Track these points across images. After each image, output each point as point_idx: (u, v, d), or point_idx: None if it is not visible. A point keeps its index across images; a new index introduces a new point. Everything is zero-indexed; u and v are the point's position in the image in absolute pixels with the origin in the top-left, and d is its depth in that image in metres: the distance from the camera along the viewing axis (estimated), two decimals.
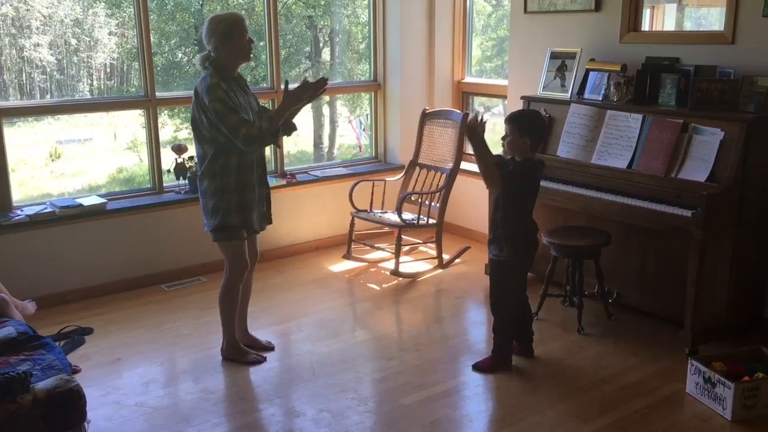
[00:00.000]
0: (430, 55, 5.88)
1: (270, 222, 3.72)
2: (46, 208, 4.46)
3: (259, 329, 3.99)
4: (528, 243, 3.48)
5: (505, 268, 3.50)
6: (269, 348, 3.84)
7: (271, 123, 3.34)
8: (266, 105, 4.88)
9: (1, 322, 3.20)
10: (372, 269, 5.15)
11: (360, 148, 6.25)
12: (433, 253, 5.23)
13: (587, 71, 4.40)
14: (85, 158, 5.68)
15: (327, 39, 6.54)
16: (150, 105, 4.83)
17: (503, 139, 3.45)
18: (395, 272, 4.95)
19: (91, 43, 5.39)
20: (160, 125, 4.95)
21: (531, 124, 3.41)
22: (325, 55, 6.65)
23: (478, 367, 3.60)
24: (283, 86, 3.46)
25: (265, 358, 3.72)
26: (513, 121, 3.41)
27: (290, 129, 3.60)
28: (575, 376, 3.51)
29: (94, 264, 4.60)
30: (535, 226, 3.52)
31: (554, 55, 4.59)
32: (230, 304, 3.63)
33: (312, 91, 3.38)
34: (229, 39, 3.33)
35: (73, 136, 5.65)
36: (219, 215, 3.43)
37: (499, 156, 3.52)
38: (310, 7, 6.33)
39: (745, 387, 3.07)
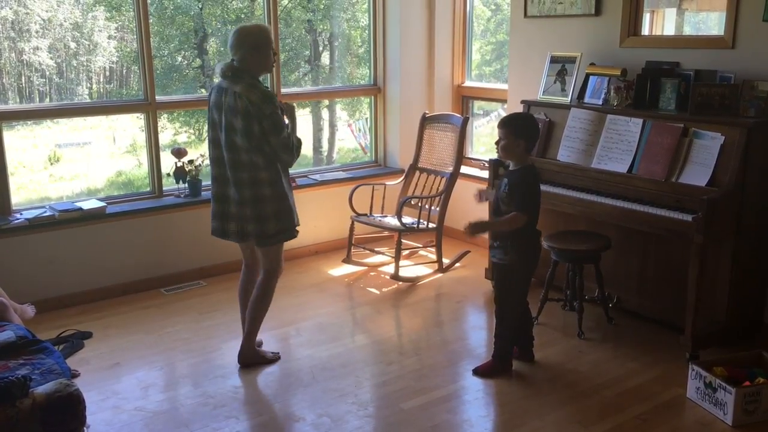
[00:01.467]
0: (429, 59, 5.88)
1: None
2: (45, 212, 4.45)
3: (259, 333, 3.97)
4: (534, 247, 3.48)
5: (509, 271, 3.49)
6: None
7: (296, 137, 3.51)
8: None
9: (0, 326, 3.19)
10: (372, 273, 5.14)
11: (363, 149, 6.23)
12: (433, 257, 5.23)
13: (587, 75, 4.40)
14: (84, 162, 5.68)
15: (326, 43, 6.55)
16: (150, 108, 4.82)
17: (497, 143, 3.45)
18: (395, 276, 4.94)
19: (91, 46, 5.40)
20: (159, 129, 4.94)
21: (524, 126, 3.41)
22: (325, 59, 6.66)
23: (478, 372, 3.59)
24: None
25: (279, 355, 3.79)
26: (506, 124, 3.41)
27: None
28: (575, 381, 3.51)
29: (93, 268, 4.59)
30: (539, 230, 3.51)
31: (554, 60, 4.59)
32: (265, 309, 3.67)
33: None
34: (257, 51, 3.38)
35: (72, 140, 5.65)
36: (286, 217, 3.49)
37: (497, 161, 3.53)
38: (310, 11, 6.34)
39: (746, 392, 3.06)
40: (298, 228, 3.62)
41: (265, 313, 3.68)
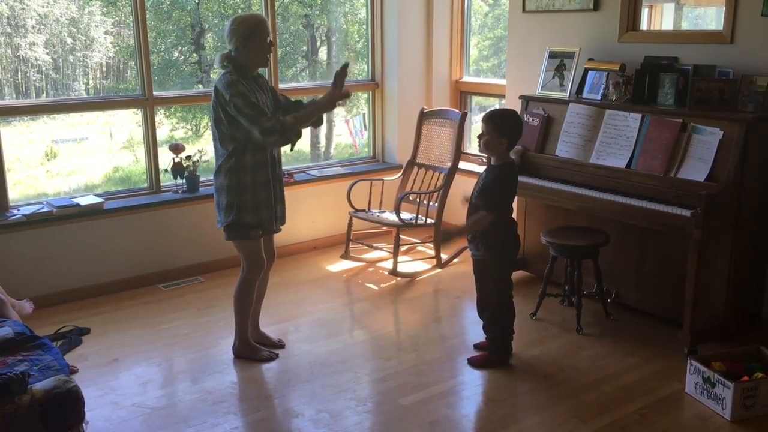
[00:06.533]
0: (427, 54, 5.87)
1: (283, 222, 3.73)
2: (42, 208, 4.43)
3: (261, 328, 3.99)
4: (508, 241, 3.48)
5: (485, 266, 3.52)
6: (280, 345, 3.85)
7: (296, 121, 3.40)
8: None
9: None
10: (370, 269, 5.13)
11: (355, 147, 6.23)
12: (432, 252, 5.23)
13: (586, 70, 4.39)
14: (81, 157, 5.66)
15: (324, 38, 6.52)
16: (147, 104, 4.81)
17: (479, 137, 3.44)
18: (393, 272, 4.94)
19: (87, 42, 5.37)
20: (156, 124, 4.93)
21: (510, 125, 3.39)
22: (322, 54, 6.63)
23: (472, 362, 3.63)
24: (336, 77, 3.46)
25: (277, 355, 3.74)
26: (492, 120, 3.39)
27: (318, 122, 3.68)
28: (574, 376, 3.51)
29: (91, 264, 4.58)
30: (514, 222, 3.52)
31: (553, 55, 4.58)
32: (245, 302, 3.65)
33: (340, 86, 3.45)
34: (249, 40, 3.36)
35: (69, 136, 5.62)
36: (233, 212, 3.44)
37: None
38: (307, 6, 6.31)
39: (744, 387, 3.07)
40: (270, 231, 3.61)
41: (245, 307, 3.68)
